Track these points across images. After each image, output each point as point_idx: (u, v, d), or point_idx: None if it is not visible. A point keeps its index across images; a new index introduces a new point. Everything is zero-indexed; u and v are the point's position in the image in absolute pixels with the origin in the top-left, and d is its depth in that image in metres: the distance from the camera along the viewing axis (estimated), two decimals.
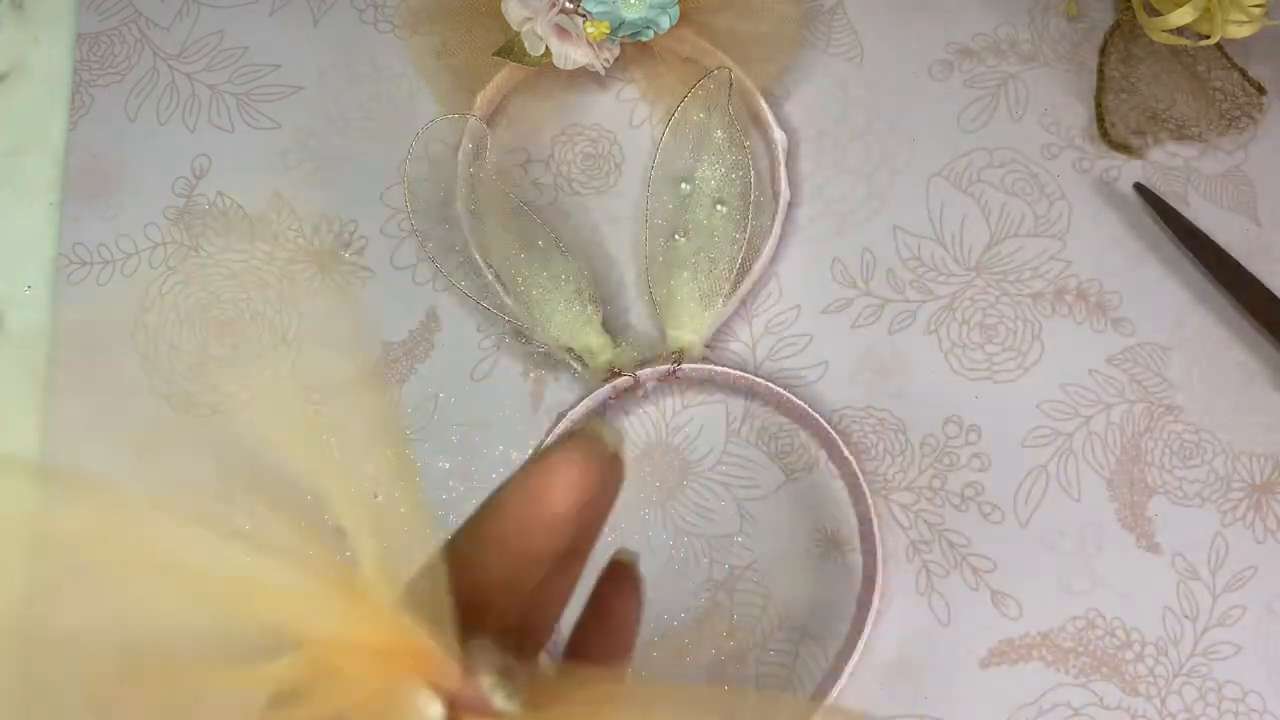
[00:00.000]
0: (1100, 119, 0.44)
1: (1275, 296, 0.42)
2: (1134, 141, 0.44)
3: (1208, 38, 0.42)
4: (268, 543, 0.18)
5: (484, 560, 0.20)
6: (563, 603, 0.23)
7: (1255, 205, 0.44)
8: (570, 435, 0.21)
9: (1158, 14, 0.43)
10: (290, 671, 0.18)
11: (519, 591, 0.21)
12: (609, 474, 0.22)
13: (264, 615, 0.18)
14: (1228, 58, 0.45)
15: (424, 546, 0.20)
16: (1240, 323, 0.43)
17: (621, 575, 0.27)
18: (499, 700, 0.18)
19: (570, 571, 0.24)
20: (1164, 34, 0.42)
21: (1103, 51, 0.45)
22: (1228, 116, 0.44)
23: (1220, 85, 0.45)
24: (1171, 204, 0.43)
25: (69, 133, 0.46)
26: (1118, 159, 0.45)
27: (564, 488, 0.20)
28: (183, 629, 0.18)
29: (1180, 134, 0.44)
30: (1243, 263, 0.43)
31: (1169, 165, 0.45)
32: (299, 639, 0.18)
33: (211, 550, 0.18)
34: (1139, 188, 0.44)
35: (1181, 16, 0.42)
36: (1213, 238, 0.43)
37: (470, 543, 0.21)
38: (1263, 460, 0.41)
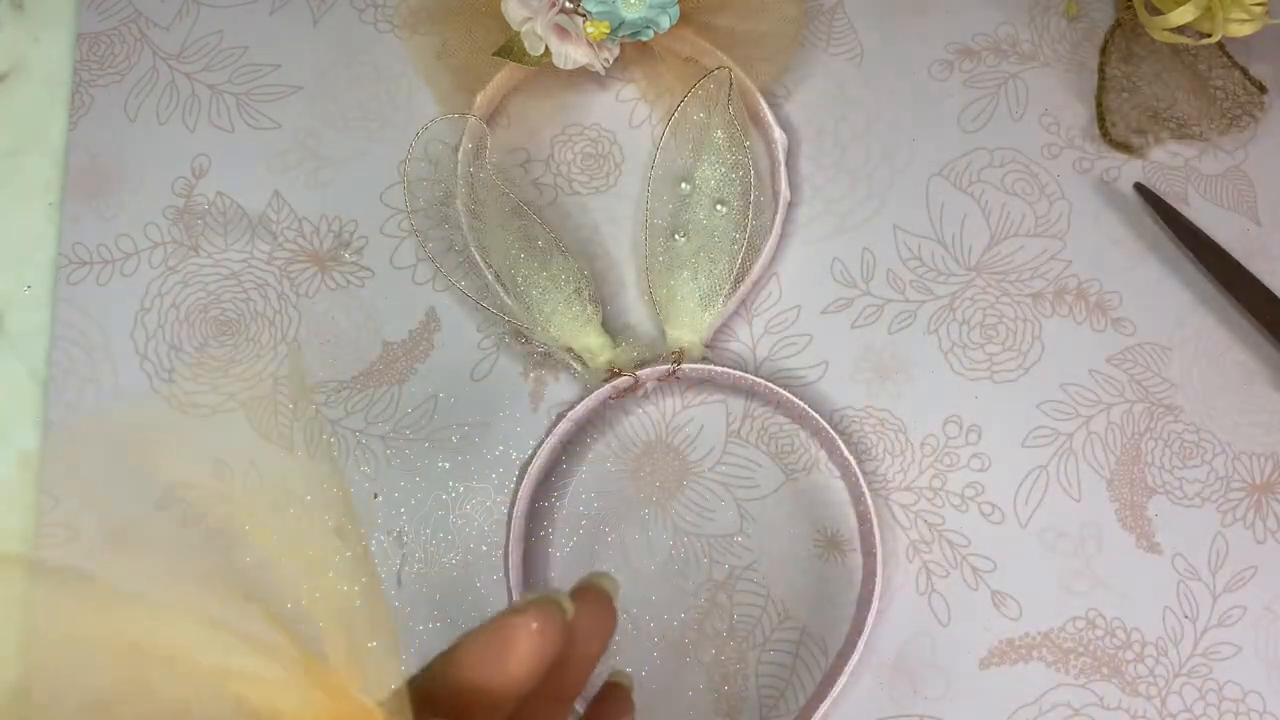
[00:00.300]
0: (1101, 118, 0.44)
1: (1275, 296, 0.42)
2: (1135, 141, 0.44)
3: (1209, 36, 0.42)
4: (250, 634, 0.19)
5: (445, 698, 0.21)
6: None
7: (1255, 205, 0.44)
8: (532, 600, 0.22)
9: (1159, 13, 0.43)
10: None
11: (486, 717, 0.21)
12: (597, 624, 0.23)
13: (245, 698, 0.19)
14: (1229, 56, 0.45)
15: (386, 639, 0.21)
16: (1240, 323, 0.43)
17: (616, 696, 0.28)
18: None
19: (553, 712, 0.25)
20: (1165, 33, 0.42)
21: (1104, 51, 0.45)
22: (1229, 115, 0.44)
23: (1221, 84, 0.45)
24: (1171, 204, 0.43)
25: (69, 133, 0.46)
26: (1118, 159, 0.45)
27: (519, 657, 0.21)
28: (170, 709, 0.19)
29: (1181, 133, 0.44)
30: (1243, 262, 0.43)
31: (1169, 165, 0.45)
32: (277, 717, 0.19)
33: (198, 639, 0.19)
34: (1139, 188, 0.44)
35: (1183, 15, 0.41)
36: (1213, 237, 0.43)
37: (432, 681, 0.22)
38: (1263, 460, 0.41)
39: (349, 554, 0.21)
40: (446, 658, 0.22)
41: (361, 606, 0.21)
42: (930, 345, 0.43)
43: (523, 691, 0.22)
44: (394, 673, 0.21)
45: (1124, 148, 0.44)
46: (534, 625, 0.21)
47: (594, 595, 0.25)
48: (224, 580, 0.20)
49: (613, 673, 0.29)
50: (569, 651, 0.23)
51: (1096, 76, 0.45)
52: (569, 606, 0.22)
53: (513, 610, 0.22)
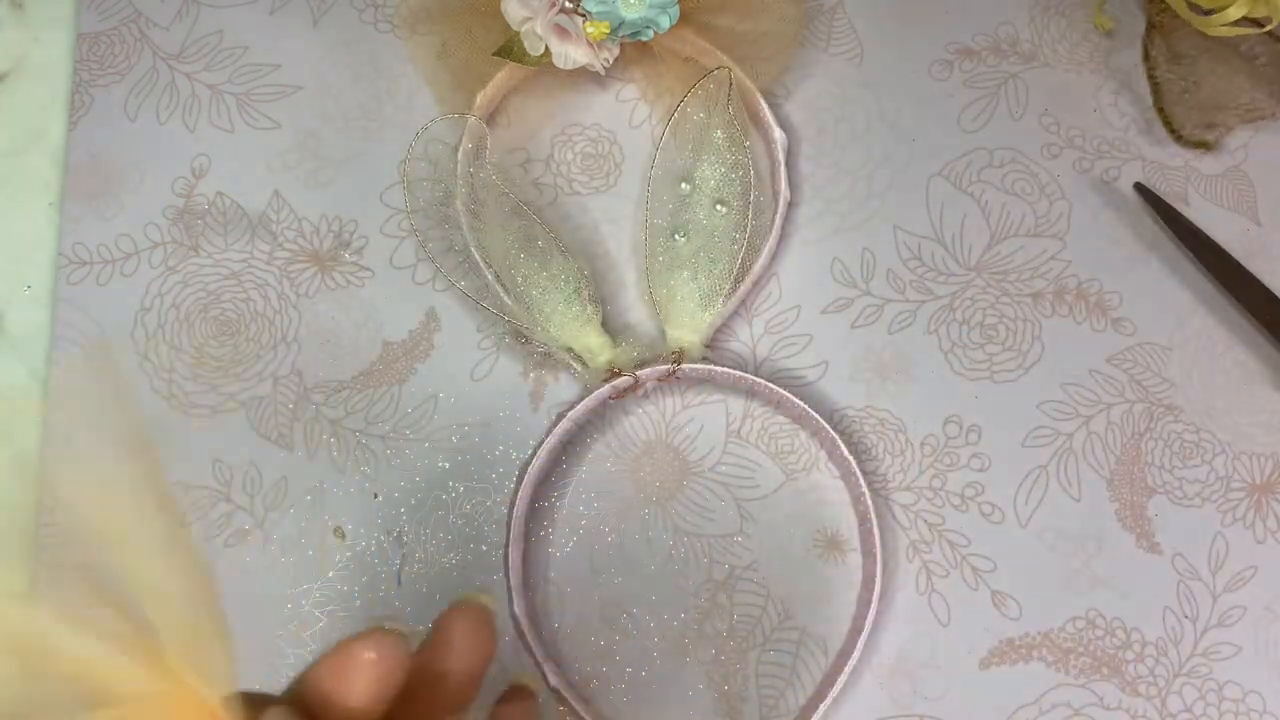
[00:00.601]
0: (1167, 124, 0.44)
1: (1275, 296, 0.42)
2: (1208, 136, 0.44)
3: (1261, 24, 0.42)
4: (92, 622, 0.20)
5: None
6: None
7: (1255, 205, 0.44)
8: (373, 630, 0.23)
9: (1203, 11, 0.43)
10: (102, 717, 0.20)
11: None
12: (475, 641, 0.24)
13: (77, 677, 0.20)
14: (1270, 33, 0.45)
15: (218, 627, 0.22)
16: (1240, 322, 0.43)
17: (520, 696, 0.29)
18: None
19: None
20: (1221, 28, 0.42)
21: (1146, 57, 0.45)
22: None
23: (1267, 60, 0.44)
24: (1171, 204, 0.43)
25: (69, 132, 0.46)
26: (1117, 159, 0.45)
27: (356, 685, 0.22)
28: (13, 690, 0.20)
29: (1249, 116, 0.44)
30: (1243, 262, 0.43)
31: (1169, 164, 0.45)
32: (111, 698, 0.20)
33: (18, 616, 0.20)
34: (1139, 188, 0.44)
35: (1239, 9, 0.41)
36: (1213, 237, 0.43)
37: (286, 701, 0.23)
38: (1263, 460, 0.41)
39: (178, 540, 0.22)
40: (297, 681, 0.23)
41: (194, 594, 0.21)
42: (930, 345, 0.43)
43: (372, 714, 0.22)
44: (226, 663, 0.21)
45: (1200, 145, 0.44)
46: (369, 655, 0.22)
47: (473, 614, 0.25)
48: (50, 558, 0.21)
49: (517, 674, 0.31)
50: (448, 667, 0.24)
51: (1148, 86, 0.45)
52: (409, 632, 0.23)
53: (353, 638, 0.22)
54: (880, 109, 0.46)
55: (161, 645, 0.20)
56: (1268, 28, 0.42)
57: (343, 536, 0.41)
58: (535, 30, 0.41)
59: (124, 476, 0.22)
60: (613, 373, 0.40)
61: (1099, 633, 0.39)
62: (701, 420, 0.42)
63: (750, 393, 0.42)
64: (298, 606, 0.40)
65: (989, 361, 0.43)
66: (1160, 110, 0.45)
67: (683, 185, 0.43)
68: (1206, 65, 0.44)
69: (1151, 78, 0.45)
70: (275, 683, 0.39)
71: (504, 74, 0.44)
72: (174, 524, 0.22)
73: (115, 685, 0.20)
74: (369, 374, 0.43)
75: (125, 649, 0.20)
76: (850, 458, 0.39)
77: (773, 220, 0.43)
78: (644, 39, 0.43)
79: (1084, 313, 0.43)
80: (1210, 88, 0.44)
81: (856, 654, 0.38)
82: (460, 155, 0.42)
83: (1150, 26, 0.45)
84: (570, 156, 0.45)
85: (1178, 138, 0.44)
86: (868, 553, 0.39)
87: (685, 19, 0.43)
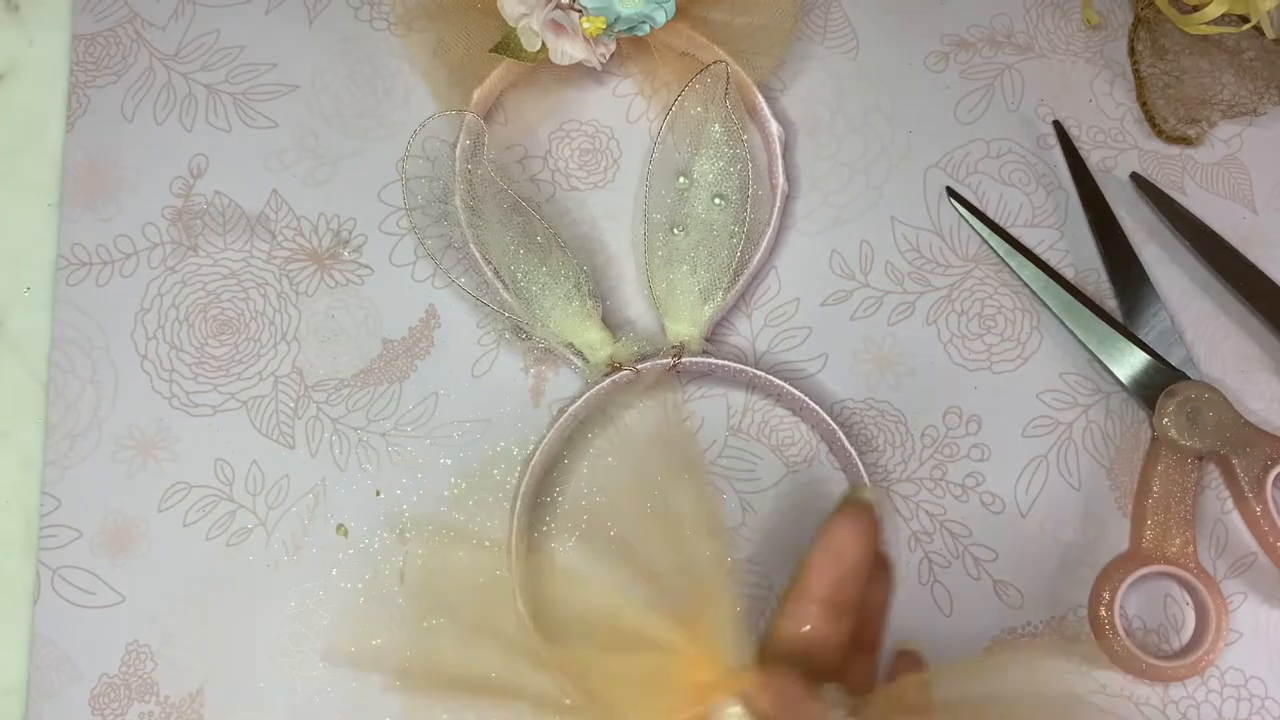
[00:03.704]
0: (1150, 119, 0.44)
1: (1273, 283, 0.42)
2: (1191, 131, 0.44)
3: (1244, 20, 0.42)
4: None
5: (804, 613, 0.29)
6: (862, 689, 0.29)
7: (1251, 193, 0.44)
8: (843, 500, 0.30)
9: (1186, 8, 0.43)
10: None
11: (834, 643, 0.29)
12: (854, 542, 0.30)
13: (638, 632, 0.29)
14: (1256, 29, 0.45)
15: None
16: (1239, 310, 0.43)
17: (908, 658, 0.32)
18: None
19: (863, 661, 0.31)
20: (1201, 26, 0.42)
21: (1131, 51, 0.45)
22: (1275, 84, 0.44)
23: (1254, 55, 0.44)
24: (1168, 193, 0.43)
25: (66, 134, 0.46)
26: (1113, 149, 0.45)
27: (852, 539, 0.29)
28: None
29: (1233, 112, 0.44)
30: (1240, 250, 0.43)
31: (1165, 154, 0.45)
32: (655, 647, 0.28)
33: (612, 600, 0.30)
34: (1135, 178, 0.44)
35: (1218, 7, 0.41)
36: (1210, 226, 0.43)
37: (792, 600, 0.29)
38: None
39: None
40: (795, 571, 0.30)
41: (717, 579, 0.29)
42: (929, 336, 0.43)
43: (861, 586, 0.29)
44: (734, 629, 0.28)
45: (1182, 140, 0.44)
46: (850, 512, 0.30)
47: (855, 515, 0.30)
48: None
49: (901, 643, 0.34)
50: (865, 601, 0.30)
51: (1133, 79, 0.45)
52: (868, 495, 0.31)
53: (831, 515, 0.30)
54: (877, 101, 0.46)
55: (687, 613, 0.28)
56: (1249, 24, 0.42)
57: (345, 534, 0.41)
58: (531, 26, 0.41)
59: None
60: (613, 367, 0.40)
61: None
62: (702, 414, 0.42)
63: (751, 386, 0.42)
64: (301, 604, 0.40)
65: (988, 352, 0.43)
66: (1144, 104, 0.45)
67: (681, 179, 0.43)
68: (1190, 60, 0.45)
69: (1136, 71, 0.45)
70: (281, 682, 0.39)
71: (500, 70, 0.44)
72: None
73: (657, 639, 0.28)
74: (369, 371, 0.43)
75: (662, 614, 0.28)
76: (851, 449, 0.40)
77: (771, 213, 0.43)
78: (640, 34, 0.43)
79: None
80: (1193, 83, 0.44)
81: None
82: (458, 152, 0.42)
83: (1136, 20, 0.46)
84: (568, 152, 0.45)
85: (1159, 132, 0.44)
86: None
87: (681, 13, 0.43)
